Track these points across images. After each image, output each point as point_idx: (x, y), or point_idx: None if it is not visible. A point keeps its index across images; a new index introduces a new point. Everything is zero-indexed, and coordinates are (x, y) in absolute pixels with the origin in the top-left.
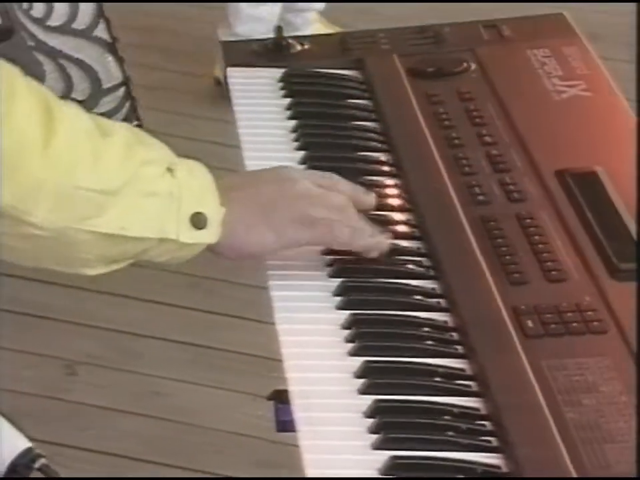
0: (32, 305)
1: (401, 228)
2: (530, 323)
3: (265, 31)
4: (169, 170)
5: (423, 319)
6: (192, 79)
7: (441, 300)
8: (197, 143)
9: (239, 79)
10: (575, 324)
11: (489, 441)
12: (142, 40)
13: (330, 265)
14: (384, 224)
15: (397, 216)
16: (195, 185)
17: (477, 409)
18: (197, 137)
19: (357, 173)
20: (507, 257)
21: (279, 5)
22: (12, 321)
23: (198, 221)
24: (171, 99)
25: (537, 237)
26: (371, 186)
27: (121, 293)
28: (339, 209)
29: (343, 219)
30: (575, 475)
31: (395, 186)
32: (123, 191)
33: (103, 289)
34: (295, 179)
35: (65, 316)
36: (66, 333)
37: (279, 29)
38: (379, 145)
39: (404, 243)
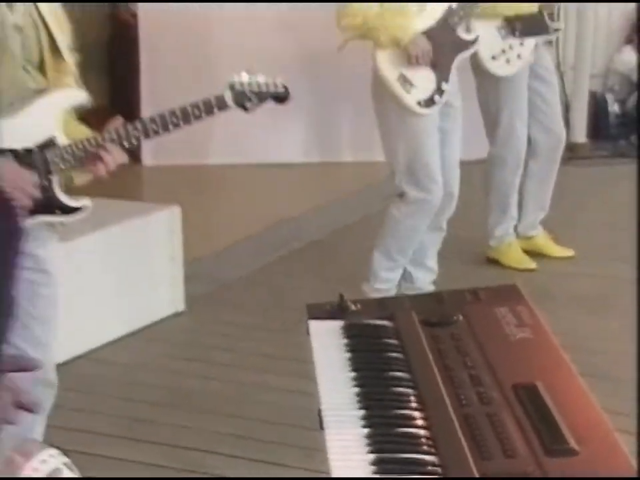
0: None
1: (416, 421)
2: None
3: (392, 287)
4: None
5: None
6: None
7: (438, 468)
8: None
9: (316, 327)
10: None
11: None
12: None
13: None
14: (405, 419)
15: (413, 413)
16: None
17: None
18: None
19: (387, 385)
20: (479, 440)
21: (401, 270)
22: None
23: None
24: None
25: (499, 428)
26: (398, 394)
27: None
28: None
29: None
30: None
31: (412, 394)
32: None
33: None
34: None
35: None
36: None
37: (341, 296)
38: (402, 368)
39: (416, 431)
